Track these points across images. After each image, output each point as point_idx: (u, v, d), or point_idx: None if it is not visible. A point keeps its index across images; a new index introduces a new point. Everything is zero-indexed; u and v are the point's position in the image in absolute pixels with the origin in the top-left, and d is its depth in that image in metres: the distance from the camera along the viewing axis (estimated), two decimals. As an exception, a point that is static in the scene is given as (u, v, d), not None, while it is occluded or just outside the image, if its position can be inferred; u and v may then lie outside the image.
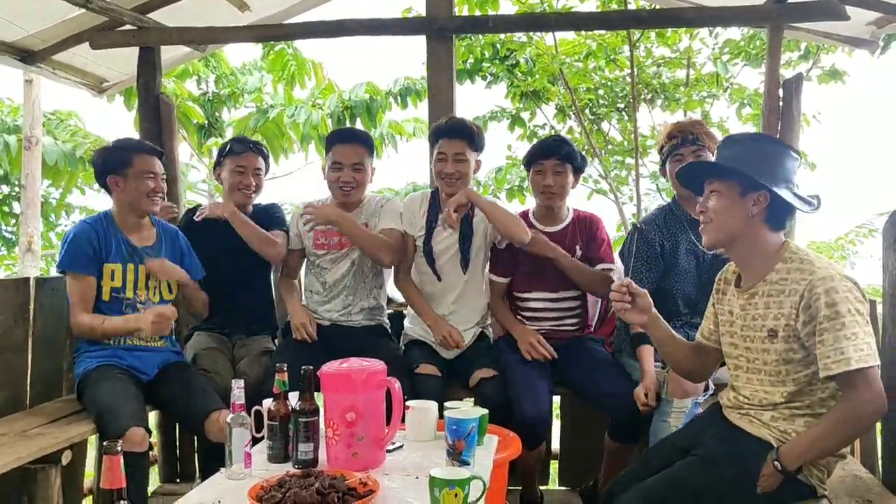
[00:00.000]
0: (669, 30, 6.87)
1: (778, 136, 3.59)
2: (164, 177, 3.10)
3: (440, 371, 3.06)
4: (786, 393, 2.05)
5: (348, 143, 3.27)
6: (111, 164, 3.03)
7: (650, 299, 2.25)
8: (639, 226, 2.97)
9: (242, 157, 3.40)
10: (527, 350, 3.06)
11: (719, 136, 3.01)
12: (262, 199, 3.59)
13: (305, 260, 3.43)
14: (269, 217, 3.47)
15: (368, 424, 2.03)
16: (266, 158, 3.57)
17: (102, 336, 2.96)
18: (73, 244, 2.95)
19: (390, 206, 3.34)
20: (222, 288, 3.40)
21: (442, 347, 3.20)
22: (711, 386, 2.75)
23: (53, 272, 8.01)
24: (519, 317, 3.25)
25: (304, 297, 3.46)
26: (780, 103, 3.62)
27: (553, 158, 3.10)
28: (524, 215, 3.25)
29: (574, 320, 3.24)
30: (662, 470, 2.16)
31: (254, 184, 3.44)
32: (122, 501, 1.45)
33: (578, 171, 3.18)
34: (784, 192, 2.06)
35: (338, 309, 3.32)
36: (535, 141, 7.55)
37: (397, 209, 3.31)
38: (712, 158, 3.03)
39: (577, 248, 3.17)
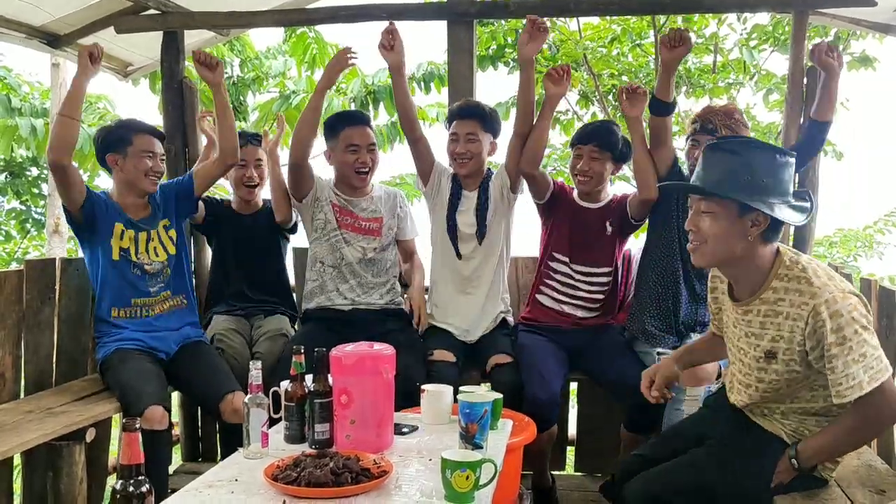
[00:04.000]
0: (696, 15, 6.76)
1: (802, 121, 3.55)
2: (164, 158, 3.11)
3: (455, 357, 3.08)
4: (790, 403, 2.04)
5: (360, 125, 3.26)
6: (111, 141, 3.05)
7: None
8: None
9: (242, 150, 3.30)
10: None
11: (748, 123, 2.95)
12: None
13: (329, 235, 3.33)
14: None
15: (361, 408, 2.06)
16: None
17: (67, 114, 2.86)
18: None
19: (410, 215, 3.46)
20: (239, 270, 3.45)
21: (460, 333, 3.23)
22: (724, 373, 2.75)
23: (80, 253, 8.10)
24: (545, 283, 3.24)
25: (323, 272, 3.34)
26: (805, 90, 3.57)
27: (591, 144, 3.09)
28: (570, 190, 3.28)
29: (600, 296, 3.20)
30: (673, 456, 2.17)
31: (256, 176, 3.42)
32: (140, 477, 1.50)
33: (619, 160, 3.15)
34: (785, 211, 1.92)
35: (360, 288, 3.31)
36: (556, 127, 7.59)
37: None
38: None
39: (608, 224, 3.15)
